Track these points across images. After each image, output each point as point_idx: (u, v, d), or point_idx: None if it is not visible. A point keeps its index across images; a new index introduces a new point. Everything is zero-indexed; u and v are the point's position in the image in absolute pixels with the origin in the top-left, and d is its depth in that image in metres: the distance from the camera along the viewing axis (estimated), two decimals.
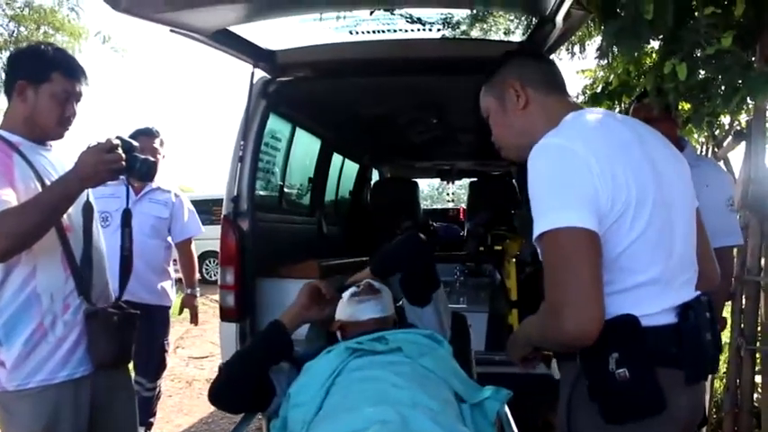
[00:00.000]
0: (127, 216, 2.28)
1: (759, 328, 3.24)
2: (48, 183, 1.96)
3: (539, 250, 1.36)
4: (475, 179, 8.51)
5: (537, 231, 1.31)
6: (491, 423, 1.79)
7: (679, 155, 1.61)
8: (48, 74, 2.00)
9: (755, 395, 3.38)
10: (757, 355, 3.26)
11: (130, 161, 1.99)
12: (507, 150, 1.69)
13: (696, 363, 1.39)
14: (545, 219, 1.30)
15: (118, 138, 1.99)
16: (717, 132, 3.71)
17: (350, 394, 1.66)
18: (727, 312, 3.28)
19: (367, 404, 1.53)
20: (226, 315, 3.62)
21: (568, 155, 1.32)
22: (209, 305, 9.17)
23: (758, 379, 3.35)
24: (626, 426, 1.34)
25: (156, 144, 3.69)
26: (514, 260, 3.87)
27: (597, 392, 1.35)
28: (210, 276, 12.64)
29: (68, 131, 2.12)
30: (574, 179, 1.30)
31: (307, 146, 5.60)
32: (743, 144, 3.28)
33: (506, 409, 1.91)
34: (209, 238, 5.67)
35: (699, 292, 1.47)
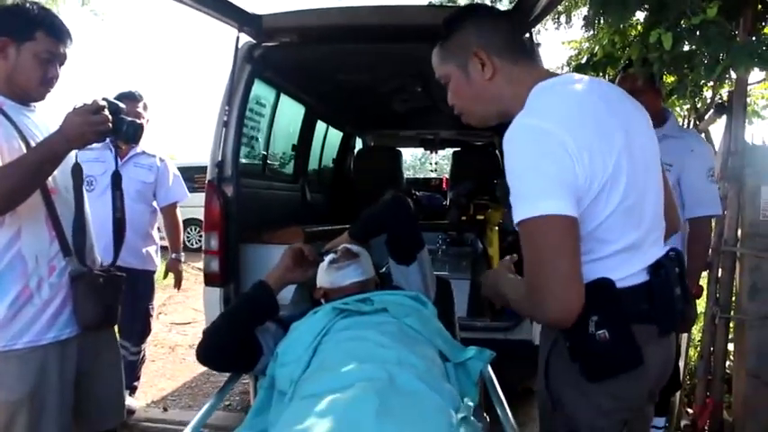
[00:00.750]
0: (116, 179, 2.27)
1: (733, 298, 3.32)
2: (32, 144, 1.94)
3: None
4: (458, 149, 8.51)
5: (516, 219, 1.31)
6: (474, 382, 1.84)
7: (643, 111, 1.58)
8: (31, 32, 1.96)
9: (727, 362, 3.48)
10: (731, 324, 3.35)
11: (117, 123, 1.98)
12: (469, 117, 1.63)
13: (667, 316, 1.45)
14: (523, 207, 1.29)
15: (104, 99, 1.97)
16: (699, 106, 3.75)
17: (337, 353, 1.69)
18: (704, 282, 3.35)
19: (354, 362, 1.56)
20: (210, 280, 3.63)
21: (545, 137, 1.29)
22: (191, 272, 9.16)
23: (731, 347, 3.45)
24: (608, 382, 1.39)
25: (140, 108, 3.65)
26: (497, 228, 3.92)
27: (578, 354, 1.39)
28: (193, 244, 12.58)
29: (51, 93, 2.09)
30: (552, 164, 1.28)
31: (291, 112, 5.57)
32: (724, 117, 3.33)
33: (489, 368, 1.95)
34: (191, 205, 5.66)
35: (668, 248, 1.51)
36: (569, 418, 1.45)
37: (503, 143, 1.37)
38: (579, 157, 1.29)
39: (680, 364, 3.43)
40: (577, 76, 1.51)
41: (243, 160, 4.28)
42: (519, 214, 1.30)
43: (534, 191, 1.28)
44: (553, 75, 1.51)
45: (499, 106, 1.53)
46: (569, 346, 1.40)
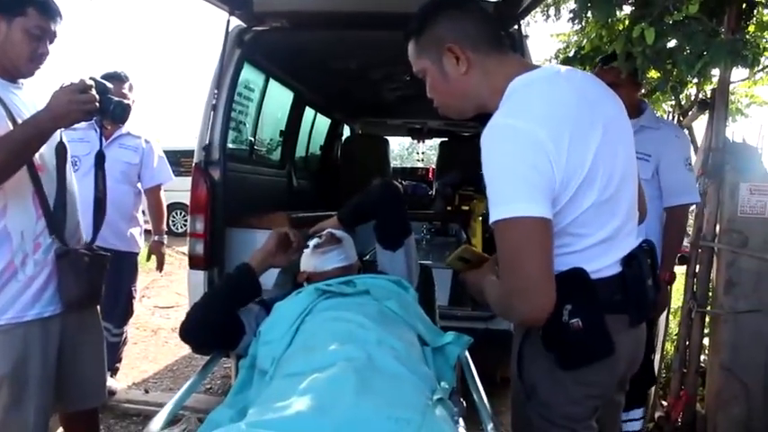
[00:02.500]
0: (100, 159, 2.28)
1: (710, 293, 3.38)
2: (19, 121, 1.95)
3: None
4: (445, 139, 8.53)
5: (492, 219, 1.32)
6: (451, 367, 1.87)
7: (620, 103, 1.58)
8: (23, 8, 1.96)
9: (703, 356, 3.54)
10: (707, 318, 3.41)
11: (104, 102, 1.98)
12: (446, 111, 1.61)
13: (639, 307, 1.49)
14: (499, 207, 1.30)
15: (92, 78, 1.98)
16: (683, 102, 3.80)
17: (318, 333, 1.72)
18: (680, 273, 3.41)
19: (334, 342, 1.59)
20: (194, 263, 3.64)
21: (522, 138, 1.29)
22: (175, 257, 9.15)
23: (706, 341, 3.51)
24: (580, 370, 1.43)
25: (126, 89, 3.63)
26: (480, 219, 3.96)
27: (552, 342, 1.42)
28: (178, 228, 12.54)
29: (39, 70, 2.09)
30: (527, 166, 1.28)
31: (280, 98, 5.56)
32: (707, 114, 3.38)
33: (467, 353, 1.98)
34: (176, 189, 5.65)
35: (641, 239, 1.55)
36: (543, 406, 1.48)
37: (481, 142, 1.37)
38: (557, 158, 1.29)
39: (656, 357, 3.49)
40: (555, 68, 1.50)
41: (230, 145, 4.28)
42: (494, 215, 1.31)
43: (509, 192, 1.29)
44: (531, 67, 1.49)
45: (476, 100, 1.52)
46: (543, 335, 1.43)
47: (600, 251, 1.42)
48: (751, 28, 3.23)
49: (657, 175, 2.88)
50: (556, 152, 1.29)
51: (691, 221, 3.57)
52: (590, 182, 1.35)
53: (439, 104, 1.60)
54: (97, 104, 1.94)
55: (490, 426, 1.51)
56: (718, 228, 3.30)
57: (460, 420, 1.57)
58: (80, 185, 2.32)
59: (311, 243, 2.26)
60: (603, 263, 1.42)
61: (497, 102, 1.43)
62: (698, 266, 3.37)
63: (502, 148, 1.32)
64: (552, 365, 1.44)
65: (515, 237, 1.29)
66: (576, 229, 1.38)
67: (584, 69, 3.98)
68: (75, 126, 2.01)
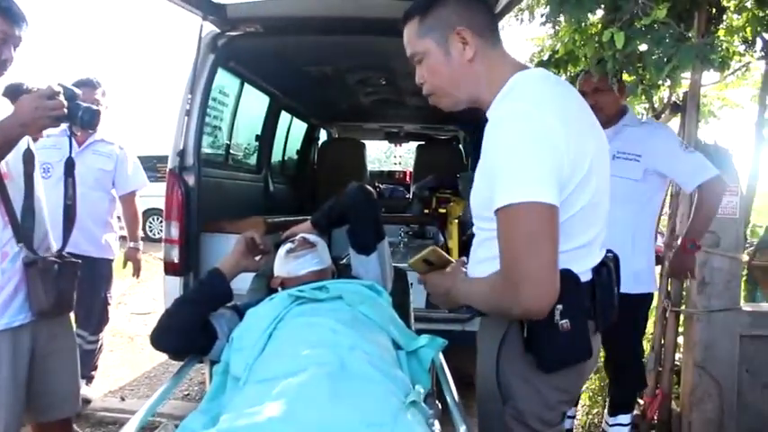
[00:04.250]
0: (69, 165, 2.24)
1: (684, 293, 3.43)
2: None
3: (496, 220, 1.31)
4: (422, 143, 8.57)
5: (501, 203, 1.27)
6: (426, 370, 1.88)
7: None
8: None
9: (677, 355, 3.59)
10: (681, 317, 3.46)
11: (72, 109, 1.96)
12: (439, 99, 1.56)
13: (605, 314, 1.50)
14: (513, 190, 1.25)
15: (60, 85, 1.95)
16: (656, 105, 3.85)
17: (291, 339, 1.71)
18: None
19: (307, 348, 1.59)
20: (170, 269, 3.61)
21: (538, 123, 1.28)
22: (152, 262, 9.03)
23: (680, 340, 3.56)
24: (556, 375, 1.43)
25: (98, 95, 3.59)
26: (456, 221, 3.98)
27: (536, 343, 1.40)
28: (155, 234, 12.41)
29: (4, 77, 2.06)
30: (544, 151, 1.26)
31: (255, 103, 5.54)
32: (679, 116, 3.43)
33: (441, 356, 1.98)
34: (152, 195, 5.59)
35: (605, 249, 1.55)
36: (518, 410, 1.47)
37: (489, 126, 1.35)
38: (567, 150, 1.29)
39: (648, 361, 3.53)
40: (549, 73, 1.51)
41: (205, 150, 4.26)
42: (504, 198, 1.26)
43: (525, 175, 1.26)
44: (527, 66, 1.50)
45: (473, 90, 1.49)
46: (527, 336, 1.41)
47: (581, 255, 1.43)
48: (721, 32, 3.29)
49: (647, 176, 2.83)
50: (566, 144, 1.29)
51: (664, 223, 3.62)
52: (586, 182, 1.36)
53: (432, 91, 1.55)
54: (65, 110, 1.91)
55: (463, 428, 1.52)
56: None
57: (436, 423, 1.57)
58: (53, 192, 2.29)
59: (284, 247, 2.25)
60: (581, 268, 1.42)
61: (493, 96, 1.43)
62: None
63: (517, 131, 1.29)
64: (530, 369, 1.44)
65: (531, 222, 1.25)
66: (567, 228, 1.35)
67: (558, 73, 4.03)
68: (48, 133, 1.99)
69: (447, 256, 1.67)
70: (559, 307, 1.34)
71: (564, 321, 1.35)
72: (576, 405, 3.49)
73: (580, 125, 1.38)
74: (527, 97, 1.35)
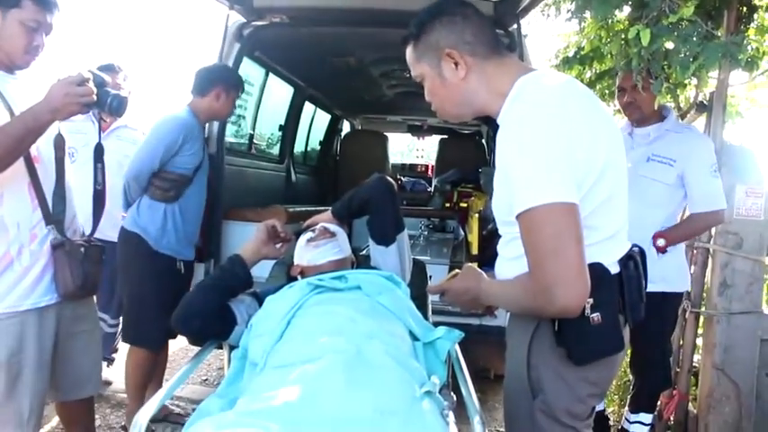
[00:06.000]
0: (99, 151, 2.28)
1: (704, 294, 3.40)
2: (16, 111, 1.95)
3: (518, 225, 1.32)
4: (445, 136, 8.54)
5: (520, 208, 1.29)
6: (442, 361, 1.89)
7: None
8: (18, 0, 1.96)
9: (696, 356, 3.56)
10: (701, 319, 3.43)
11: (102, 95, 1.99)
12: (444, 114, 1.62)
13: (633, 308, 1.49)
14: (528, 195, 1.27)
15: (89, 71, 1.99)
16: (683, 105, 3.80)
17: (309, 326, 1.74)
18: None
19: (325, 335, 1.61)
20: None
21: (556, 122, 1.30)
22: None
23: (699, 341, 3.53)
24: (587, 368, 1.44)
25: (120, 80, 3.64)
26: (477, 216, 3.97)
27: (568, 336, 1.41)
28: None
29: (35, 62, 2.09)
30: (556, 150, 1.28)
31: (279, 93, 5.57)
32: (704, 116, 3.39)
33: (457, 348, 1.99)
34: None
35: (632, 243, 1.55)
36: (548, 404, 1.47)
37: (500, 133, 1.37)
38: (579, 147, 1.31)
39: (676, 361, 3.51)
40: (555, 72, 1.53)
41: (229, 138, 4.29)
42: (526, 201, 1.28)
43: (546, 176, 1.27)
44: (531, 68, 1.51)
45: (474, 104, 1.53)
46: (558, 330, 1.42)
47: (608, 247, 1.44)
48: (751, 32, 3.24)
49: (681, 181, 2.83)
50: (578, 140, 1.31)
51: None
52: (604, 177, 1.37)
53: (437, 108, 1.61)
54: (94, 97, 1.95)
55: (476, 419, 1.52)
56: (713, 229, 3.32)
57: (450, 414, 1.58)
58: (76, 177, 2.33)
59: (305, 236, 2.27)
60: (608, 260, 1.43)
61: (500, 104, 1.45)
62: (693, 267, 3.39)
63: (527, 134, 1.31)
64: (560, 362, 1.44)
65: (553, 223, 1.26)
66: (591, 221, 1.36)
67: (584, 69, 4.00)
68: (73, 118, 2.02)
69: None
70: (590, 300, 1.34)
71: (595, 314, 1.36)
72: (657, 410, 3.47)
73: (589, 120, 1.39)
74: (533, 100, 1.37)
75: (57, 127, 2.10)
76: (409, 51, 1.58)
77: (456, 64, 1.49)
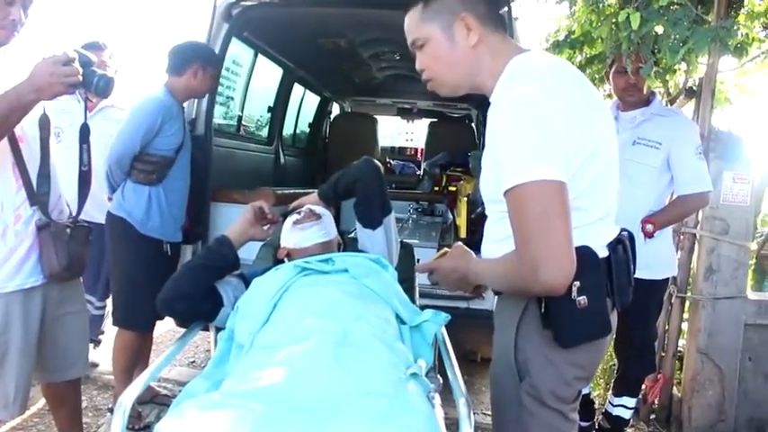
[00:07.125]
0: (84, 132, 2.24)
1: (690, 279, 3.44)
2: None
3: (506, 203, 1.33)
4: (434, 120, 8.53)
5: (508, 185, 1.29)
6: (428, 344, 1.89)
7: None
8: None
9: (681, 341, 3.60)
10: (686, 303, 3.47)
11: (88, 75, 1.94)
12: (439, 85, 1.58)
13: (621, 291, 1.50)
14: (516, 172, 1.28)
15: (75, 51, 1.94)
16: (672, 90, 3.81)
17: (296, 308, 1.73)
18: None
19: (311, 317, 1.61)
20: None
21: (546, 102, 1.30)
22: None
23: (685, 326, 3.57)
24: (574, 351, 1.44)
25: (105, 57, 3.57)
26: (466, 199, 3.97)
27: (554, 319, 1.41)
28: None
29: (16, 39, 2.03)
30: (545, 129, 1.28)
31: (268, 74, 5.52)
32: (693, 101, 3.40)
33: (444, 331, 2.00)
34: None
35: (620, 228, 1.56)
36: (534, 387, 1.47)
37: (491, 110, 1.37)
38: (570, 126, 1.31)
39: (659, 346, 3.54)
40: (549, 54, 1.52)
41: (217, 120, 4.26)
42: (515, 178, 1.28)
43: (534, 154, 1.28)
44: (525, 49, 1.51)
45: (475, 76, 1.52)
46: (545, 312, 1.42)
47: (596, 230, 1.44)
48: (741, 17, 3.24)
49: (667, 164, 2.84)
50: (568, 120, 1.31)
51: None
52: (593, 156, 1.37)
53: (433, 77, 1.57)
54: (80, 78, 1.90)
55: (462, 401, 1.53)
56: (700, 215, 3.34)
57: (437, 396, 1.59)
58: (63, 157, 2.30)
59: (291, 219, 2.27)
60: (597, 243, 1.43)
61: (494, 81, 1.45)
62: (680, 252, 3.41)
63: (518, 113, 1.31)
64: (547, 345, 1.44)
65: (540, 201, 1.26)
66: (580, 202, 1.37)
67: (574, 53, 3.99)
68: (58, 97, 1.98)
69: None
70: (576, 283, 1.34)
71: (581, 297, 1.36)
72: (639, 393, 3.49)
73: (581, 100, 1.39)
74: (525, 78, 1.37)
75: (42, 106, 2.06)
76: (415, 12, 1.53)
77: (468, 31, 1.47)
